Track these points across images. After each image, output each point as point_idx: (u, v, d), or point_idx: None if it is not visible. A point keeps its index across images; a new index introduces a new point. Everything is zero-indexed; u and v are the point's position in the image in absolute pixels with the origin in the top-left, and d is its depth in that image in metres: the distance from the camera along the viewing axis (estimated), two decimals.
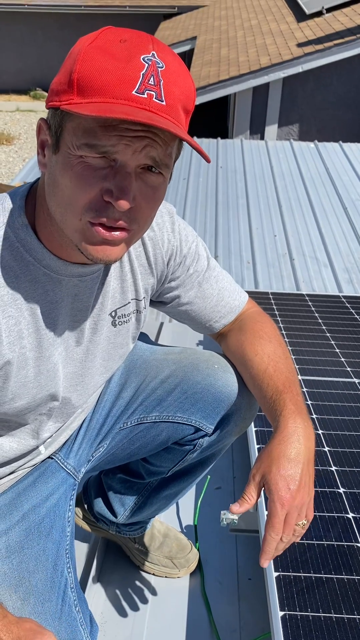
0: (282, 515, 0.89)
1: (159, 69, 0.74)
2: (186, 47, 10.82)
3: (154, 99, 0.74)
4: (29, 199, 0.88)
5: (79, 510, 1.41)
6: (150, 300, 1.12)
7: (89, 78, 0.73)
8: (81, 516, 1.41)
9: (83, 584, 1.35)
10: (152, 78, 0.74)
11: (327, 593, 1.11)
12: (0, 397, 0.91)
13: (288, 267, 3.55)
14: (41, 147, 0.83)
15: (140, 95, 0.73)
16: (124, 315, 1.03)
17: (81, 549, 1.48)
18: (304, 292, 2.82)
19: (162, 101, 0.74)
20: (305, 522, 0.92)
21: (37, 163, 3.93)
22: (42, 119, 0.82)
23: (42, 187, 0.85)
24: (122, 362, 1.12)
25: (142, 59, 0.74)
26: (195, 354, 1.18)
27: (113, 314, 1.01)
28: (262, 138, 8.21)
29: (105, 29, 0.78)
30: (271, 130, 8.27)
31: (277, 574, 1.16)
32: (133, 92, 0.73)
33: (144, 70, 0.73)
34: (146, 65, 0.74)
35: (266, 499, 0.91)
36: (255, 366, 1.07)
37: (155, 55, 0.75)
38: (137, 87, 0.73)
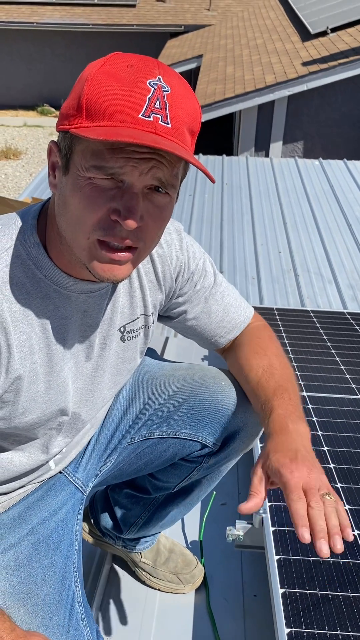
0: (296, 479, 0.85)
1: (165, 93, 0.77)
2: (192, 65, 10.96)
3: (160, 121, 0.76)
4: (41, 218, 0.91)
5: (85, 525, 1.42)
6: (158, 315, 1.14)
7: (97, 102, 0.76)
8: (87, 531, 1.42)
9: (89, 599, 1.35)
10: (158, 101, 0.76)
11: (333, 610, 1.11)
12: (11, 412, 0.93)
13: (293, 283, 3.57)
14: (52, 168, 0.86)
15: (147, 119, 0.75)
16: (133, 330, 1.05)
17: (87, 564, 1.48)
18: (309, 308, 2.83)
19: (168, 124, 0.77)
20: (332, 496, 0.86)
21: (44, 178, 4.00)
22: (52, 141, 0.85)
23: (53, 206, 0.88)
24: (130, 376, 1.14)
25: (149, 83, 0.76)
26: (203, 371, 1.19)
27: (122, 329, 1.03)
28: (267, 155, 8.27)
29: (113, 55, 0.81)
30: (276, 147, 8.34)
31: (282, 590, 1.16)
32: (139, 116, 0.75)
33: (150, 94, 0.76)
34: (152, 89, 0.76)
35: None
36: (250, 380, 1.09)
37: (161, 79, 0.77)
38: (143, 110, 0.75)
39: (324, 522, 0.81)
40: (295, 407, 1.01)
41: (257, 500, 0.87)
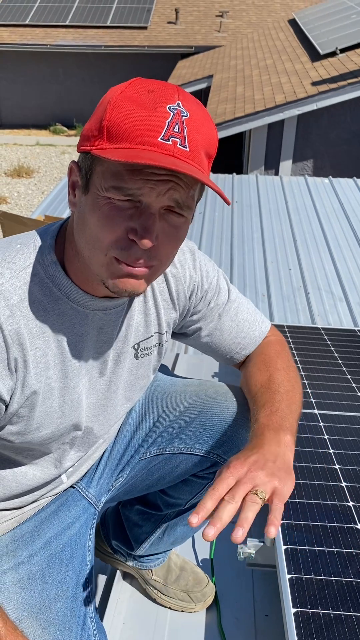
0: (226, 474, 0.83)
1: (184, 118, 0.79)
2: (203, 85, 11.10)
3: (178, 145, 0.78)
4: (59, 237, 0.93)
5: (96, 541, 1.42)
6: (173, 332, 1.15)
7: (118, 125, 0.79)
8: (98, 547, 1.42)
9: (99, 616, 1.35)
10: (177, 126, 0.78)
11: (346, 631, 1.10)
12: (25, 426, 0.94)
13: (303, 301, 3.57)
14: (72, 187, 0.88)
15: (166, 142, 0.78)
16: (147, 348, 1.06)
17: (98, 581, 1.47)
18: (320, 326, 2.83)
19: (186, 147, 0.79)
20: (264, 494, 0.83)
21: (56, 196, 4.05)
22: (73, 161, 0.88)
23: (72, 225, 0.90)
24: (143, 393, 1.15)
25: (168, 108, 0.79)
26: (214, 387, 1.20)
27: (136, 346, 1.04)
28: (276, 173, 8.33)
29: (135, 80, 0.83)
30: (286, 165, 8.40)
31: (295, 610, 1.15)
32: (159, 139, 0.78)
33: (170, 119, 0.78)
34: (171, 114, 0.79)
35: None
36: (250, 396, 1.10)
37: (180, 104, 0.80)
38: (162, 134, 0.78)
39: (224, 513, 0.79)
40: (281, 416, 0.98)
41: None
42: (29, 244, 0.91)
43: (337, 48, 9.08)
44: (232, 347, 1.16)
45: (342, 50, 9.07)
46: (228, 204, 0.82)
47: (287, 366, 1.13)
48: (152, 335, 1.06)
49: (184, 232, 0.87)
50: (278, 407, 1.00)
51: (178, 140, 0.78)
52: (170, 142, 0.78)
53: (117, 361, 1.02)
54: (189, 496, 1.24)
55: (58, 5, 15.30)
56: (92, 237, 0.83)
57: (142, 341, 1.05)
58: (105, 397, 1.03)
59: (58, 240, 0.93)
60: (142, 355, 1.06)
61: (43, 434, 0.96)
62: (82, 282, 0.91)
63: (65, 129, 14.53)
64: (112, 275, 0.85)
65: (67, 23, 14.73)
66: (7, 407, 0.91)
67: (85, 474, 1.12)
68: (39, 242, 0.92)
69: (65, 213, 4.56)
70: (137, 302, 1.02)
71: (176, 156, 0.78)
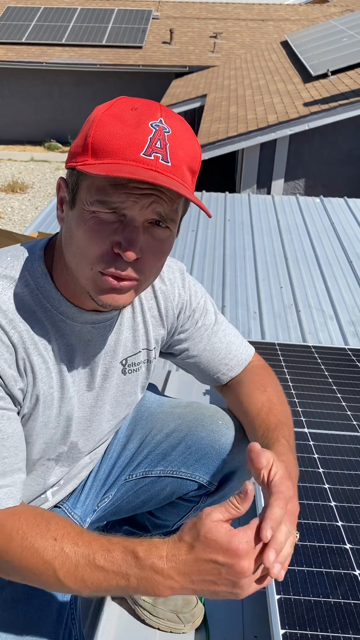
0: (290, 498, 0.85)
1: (166, 134, 0.81)
2: (196, 104, 11.23)
3: (160, 160, 0.80)
4: (48, 250, 0.95)
5: None
6: (160, 351, 1.15)
7: (101, 142, 0.80)
8: None
9: (88, 638, 1.33)
10: (159, 142, 0.80)
11: None
12: (26, 436, 0.94)
13: (294, 319, 3.59)
14: (60, 203, 0.90)
15: (148, 157, 0.79)
16: (134, 363, 1.07)
17: (86, 602, 1.46)
18: (310, 344, 2.84)
19: (168, 162, 0.81)
20: (297, 535, 0.86)
21: (50, 212, 4.07)
22: (61, 177, 0.89)
23: (60, 239, 0.91)
24: (130, 411, 1.15)
25: (150, 124, 0.81)
26: (201, 409, 1.20)
27: (124, 362, 1.05)
28: (268, 192, 8.41)
29: (119, 99, 0.86)
30: (278, 184, 8.48)
31: (283, 631, 1.14)
32: (141, 154, 0.79)
33: (152, 135, 0.80)
34: (154, 130, 0.81)
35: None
36: (249, 413, 1.10)
37: (163, 121, 0.82)
38: (144, 149, 0.80)
39: (290, 548, 0.81)
40: (293, 442, 1.03)
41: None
42: (19, 256, 0.92)
43: (328, 70, 9.24)
44: (220, 368, 1.17)
45: (334, 72, 9.23)
46: (209, 216, 0.84)
47: (280, 390, 1.16)
48: (140, 351, 1.06)
49: (169, 246, 0.88)
50: (289, 432, 1.03)
51: (160, 155, 0.80)
52: (152, 157, 0.79)
53: (105, 376, 1.02)
54: (176, 518, 1.23)
55: (54, 24, 15.51)
56: (79, 251, 0.84)
57: (130, 357, 1.05)
58: (92, 412, 1.03)
59: (47, 254, 0.94)
60: (130, 371, 1.06)
61: (37, 447, 0.96)
62: (70, 295, 0.92)
63: (59, 145, 14.64)
64: (97, 289, 0.86)
65: (63, 42, 14.90)
66: (18, 412, 0.91)
67: (71, 494, 1.12)
68: (28, 254, 0.93)
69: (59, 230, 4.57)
70: (126, 317, 1.03)
71: (157, 170, 0.80)
